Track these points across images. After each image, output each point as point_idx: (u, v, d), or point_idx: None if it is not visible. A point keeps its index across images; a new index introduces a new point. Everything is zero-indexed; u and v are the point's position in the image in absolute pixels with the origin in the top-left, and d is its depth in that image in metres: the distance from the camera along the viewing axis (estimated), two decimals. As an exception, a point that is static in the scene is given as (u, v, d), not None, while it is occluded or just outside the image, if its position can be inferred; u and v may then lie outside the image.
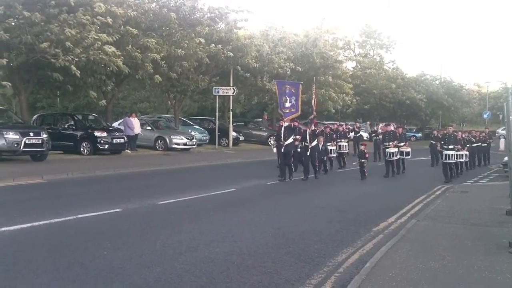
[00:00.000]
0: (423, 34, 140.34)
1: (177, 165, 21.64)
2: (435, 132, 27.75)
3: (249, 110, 49.85)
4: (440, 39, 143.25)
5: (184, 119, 36.34)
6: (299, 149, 18.55)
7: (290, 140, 17.33)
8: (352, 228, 9.88)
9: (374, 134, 29.96)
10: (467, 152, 21.07)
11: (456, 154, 18.93)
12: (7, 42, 18.75)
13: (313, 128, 19.48)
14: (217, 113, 31.89)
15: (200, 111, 47.36)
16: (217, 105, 31.74)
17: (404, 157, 20.95)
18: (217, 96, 31.31)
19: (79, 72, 19.50)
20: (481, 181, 20.21)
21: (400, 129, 22.29)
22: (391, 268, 6.87)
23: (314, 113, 22.22)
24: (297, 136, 17.91)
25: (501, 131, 48.48)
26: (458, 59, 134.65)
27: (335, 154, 22.36)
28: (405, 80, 56.32)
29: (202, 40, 24.57)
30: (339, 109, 45.08)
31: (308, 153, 18.02)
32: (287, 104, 20.21)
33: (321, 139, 19.10)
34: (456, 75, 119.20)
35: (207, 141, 32.70)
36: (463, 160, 20.83)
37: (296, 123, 18.71)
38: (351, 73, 51.11)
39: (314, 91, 23.23)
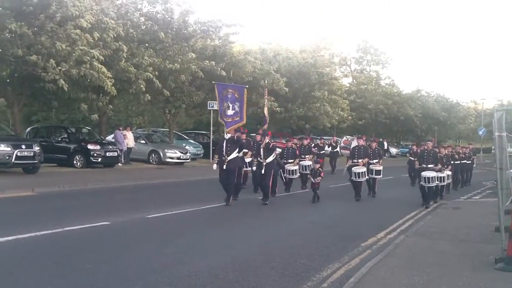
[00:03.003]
0: (419, 51, 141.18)
1: (170, 179, 21.58)
2: (413, 147, 24.92)
3: (244, 124, 49.98)
4: (436, 55, 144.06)
5: (179, 133, 36.33)
6: (253, 168, 16.61)
7: (234, 155, 14.43)
8: (340, 244, 9.84)
9: (331, 147, 29.20)
10: (449, 173, 18.58)
11: (437, 177, 16.02)
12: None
13: (267, 141, 15.63)
14: (211, 128, 31.89)
15: (196, 126, 47.38)
16: (211, 119, 31.73)
17: (374, 176, 17.94)
18: (211, 111, 31.33)
19: (67, 86, 19.41)
20: (474, 198, 20.18)
21: (374, 144, 19.27)
22: (375, 284, 6.85)
23: (267, 123, 18.92)
24: (245, 151, 15.85)
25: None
26: (455, 76, 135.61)
27: (296, 175, 18.36)
28: (401, 96, 56.58)
29: (193, 55, 24.59)
30: (335, 124, 45.18)
31: (263, 171, 15.19)
32: (229, 112, 16.65)
33: (276, 153, 16.16)
34: (453, 92, 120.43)
35: (202, 155, 32.62)
36: (444, 183, 17.96)
37: (243, 136, 15.94)
38: (347, 88, 51.36)
39: (265, 96, 19.37)
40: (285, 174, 17.96)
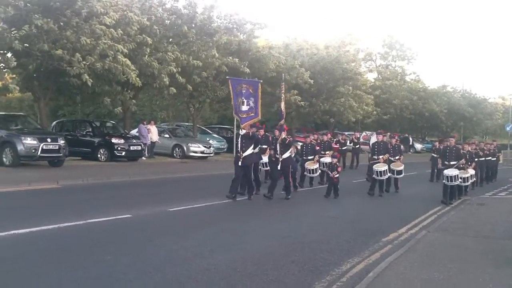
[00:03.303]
0: (445, 46, 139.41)
1: (193, 173, 21.67)
2: (436, 143, 24.74)
3: (268, 119, 49.91)
4: (463, 50, 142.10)
5: (203, 128, 36.44)
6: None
7: (249, 151, 14.21)
8: (361, 238, 9.78)
9: (353, 144, 28.76)
10: (473, 172, 17.95)
11: (460, 176, 15.51)
12: (25, 50, 19.03)
13: (284, 136, 15.23)
14: (235, 122, 31.92)
15: (220, 120, 47.49)
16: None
17: (396, 176, 17.60)
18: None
19: (91, 80, 19.63)
20: (500, 194, 19.89)
21: (394, 140, 18.65)
22: (394, 279, 6.80)
23: (283, 118, 17.81)
24: (264, 147, 15.80)
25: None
26: (482, 72, 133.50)
27: (317, 173, 17.90)
28: (427, 92, 56.05)
29: (216, 53, 24.59)
30: (360, 119, 44.93)
31: (279, 167, 14.86)
32: (244, 107, 16.10)
33: (293, 149, 15.90)
34: (480, 88, 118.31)
35: (225, 149, 32.68)
36: (468, 184, 17.33)
37: (261, 131, 15.74)
38: (372, 83, 51.02)
39: (283, 90, 18.26)
40: (305, 173, 17.69)
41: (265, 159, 16.49)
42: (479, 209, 14.58)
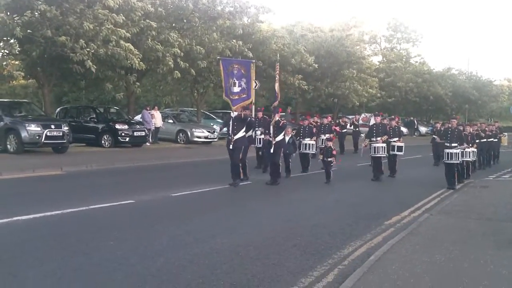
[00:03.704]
0: (451, 28, 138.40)
1: (197, 158, 21.72)
2: (437, 125, 24.42)
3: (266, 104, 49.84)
4: (469, 32, 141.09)
5: (207, 113, 36.41)
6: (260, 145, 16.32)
7: (241, 134, 13.89)
8: (364, 222, 9.80)
9: (353, 126, 28.73)
10: (475, 150, 17.77)
11: (461, 153, 15.37)
12: (28, 36, 19.00)
13: (277, 118, 14.99)
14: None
15: (225, 105, 47.34)
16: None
17: (396, 152, 17.34)
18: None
19: (95, 67, 19.60)
20: (503, 176, 19.85)
21: (394, 122, 18.51)
22: (395, 261, 6.81)
23: (278, 99, 17.30)
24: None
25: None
26: (487, 53, 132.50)
27: (313, 150, 17.81)
28: (432, 74, 55.76)
29: (215, 36, 24.43)
30: (364, 102, 44.81)
31: (271, 150, 14.68)
32: (236, 89, 14.94)
33: (289, 131, 15.66)
34: (486, 70, 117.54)
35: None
36: (470, 159, 17.24)
37: (259, 114, 15.87)
38: (376, 67, 50.79)
39: (277, 71, 17.57)
40: (301, 150, 17.45)
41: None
42: (482, 192, 14.57)
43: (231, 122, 14.03)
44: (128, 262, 6.59)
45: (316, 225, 9.31)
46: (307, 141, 17.45)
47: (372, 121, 19.14)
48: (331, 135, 18.87)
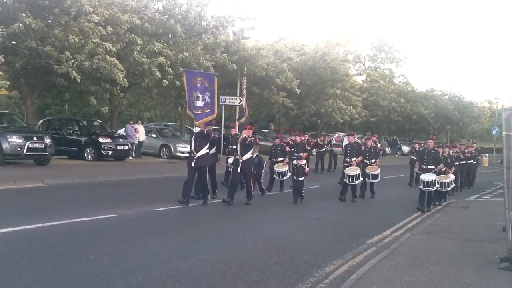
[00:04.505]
0: (434, 49, 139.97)
1: (179, 173, 21.41)
2: (416, 145, 24.24)
3: (257, 120, 49.92)
4: (451, 54, 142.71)
5: (190, 128, 36.32)
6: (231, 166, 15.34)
7: (204, 151, 13.17)
8: (345, 241, 9.85)
9: (329, 145, 28.41)
10: (453, 177, 16.79)
11: (437, 181, 14.58)
12: (12, 47, 18.90)
13: (244, 136, 13.94)
14: (223, 123, 31.86)
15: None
16: (223, 115, 31.70)
17: (371, 180, 16.72)
18: (223, 106, 31.29)
19: (80, 78, 19.49)
20: (484, 197, 20.06)
21: (369, 142, 17.57)
22: (377, 280, 6.84)
23: (245, 115, 15.71)
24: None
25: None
26: (469, 75, 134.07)
27: (286, 176, 16.53)
28: (415, 94, 56.35)
29: (199, 50, 24.43)
30: (348, 120, 45.10)
31: (239, 169, 13.84)
32: (199, 103, 14.00)
33: (256, 149, 15.12)
34: (468, 91, 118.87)
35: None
36: (448, 189, 16.35)
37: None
38: (360, 86, 51.16)
39: (244, 85, 16.36)
40: (275, 176, 16.72)
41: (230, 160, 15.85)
42: (463, 212, 14.72)
43: (193, 138, 13.39)
44: (109, 277, 6.54)
45: (297, 243, 9.32)
46: (280, 168, 16.47)
47: (346, 141, 18.35)
48: (303, 154, 17.41)
